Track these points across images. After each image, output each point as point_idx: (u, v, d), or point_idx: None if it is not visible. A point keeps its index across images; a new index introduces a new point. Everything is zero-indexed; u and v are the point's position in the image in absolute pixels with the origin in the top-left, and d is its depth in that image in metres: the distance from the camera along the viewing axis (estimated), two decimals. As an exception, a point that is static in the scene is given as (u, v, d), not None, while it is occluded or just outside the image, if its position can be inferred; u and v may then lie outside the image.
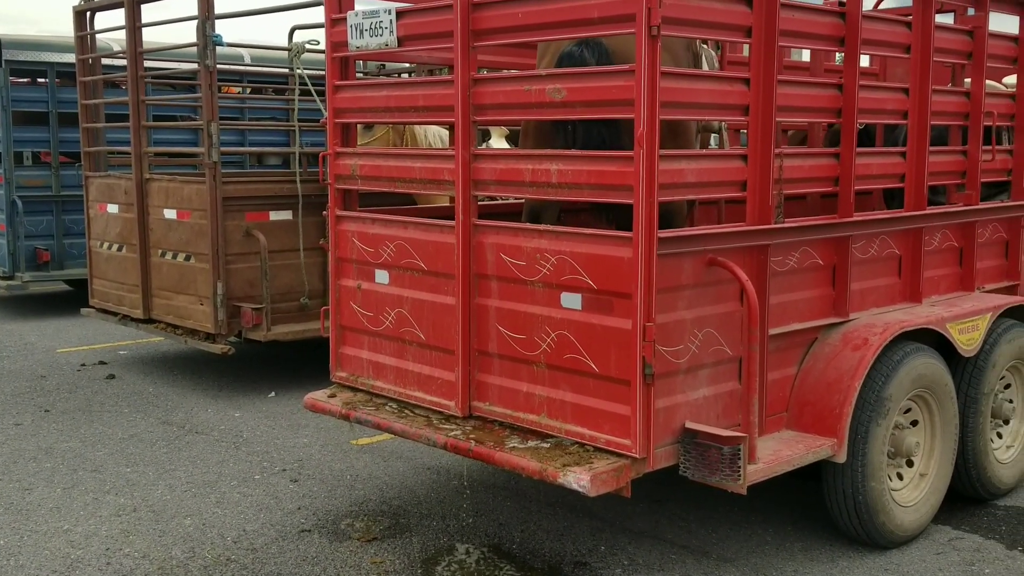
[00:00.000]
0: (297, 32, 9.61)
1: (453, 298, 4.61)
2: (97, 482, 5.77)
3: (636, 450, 3.95)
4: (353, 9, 4.97)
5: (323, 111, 7.81)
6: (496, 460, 4.21)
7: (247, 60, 11.78)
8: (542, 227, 4.31)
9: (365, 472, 5.98)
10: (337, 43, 5.07)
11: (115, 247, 8.40)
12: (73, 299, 12.13)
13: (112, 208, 8.38)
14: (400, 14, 4.69)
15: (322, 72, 5.26)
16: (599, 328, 4.05)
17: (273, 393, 7.83)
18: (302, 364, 8.70)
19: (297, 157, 7.85)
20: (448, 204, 5.79)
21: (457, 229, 4.54)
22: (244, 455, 6.31)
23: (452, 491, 5.64)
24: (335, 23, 5.04)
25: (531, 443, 4.28)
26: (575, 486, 3.88)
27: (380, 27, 4.75)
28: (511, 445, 4.27)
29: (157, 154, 9.15)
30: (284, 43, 8.26)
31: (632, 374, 3.92)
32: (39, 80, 11.64)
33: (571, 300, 4.16)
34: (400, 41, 4.71)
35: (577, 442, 4.17)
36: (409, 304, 4.87)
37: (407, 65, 9.24)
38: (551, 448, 4.20)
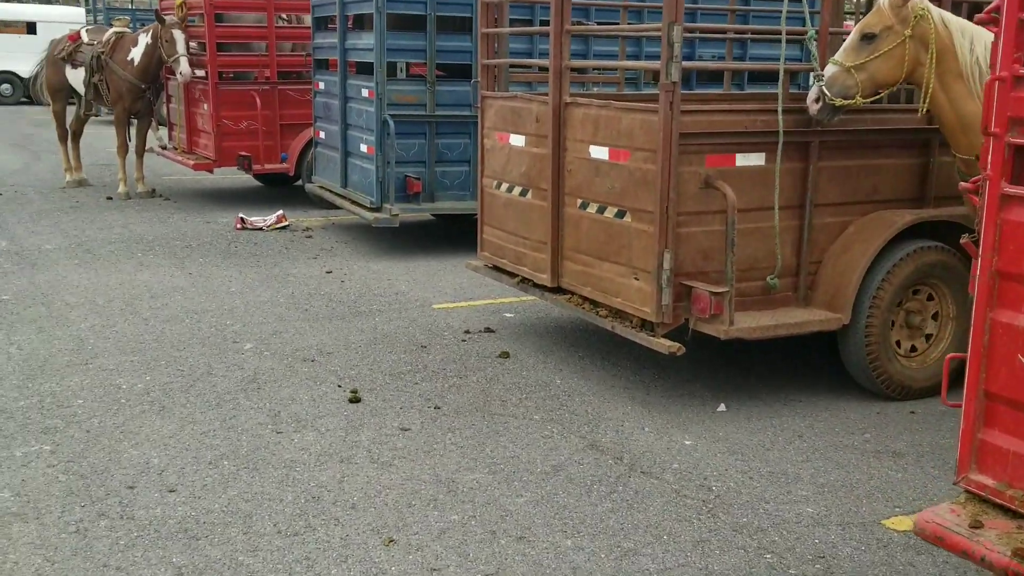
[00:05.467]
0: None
1: None
2: (531, 567, 3.87)
3: None
4: None
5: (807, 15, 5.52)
6: None
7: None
8: None
9: (944, 603, 3.68)
10: None
11: (517, 190, 6.51)
12: (440, 234, 10.69)
13: (516, 140, 6.47)
14: None
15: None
16: None
17: (723, 406, 5.68)
18: (755, 362, 6.47)
19: (781, 78, 5.48)
20: None
21: None
22: (728, 531, 4.20)
23: None
24: None
25: None
26: None
27: None
28: None
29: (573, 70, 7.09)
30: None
31: None
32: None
33: None
34: None
35: None
36: None
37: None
38: None
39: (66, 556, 3.91)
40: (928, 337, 5.92)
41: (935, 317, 5.91)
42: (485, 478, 4.68)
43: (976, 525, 2.85)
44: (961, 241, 3.08)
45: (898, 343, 5.83)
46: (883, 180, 5.90)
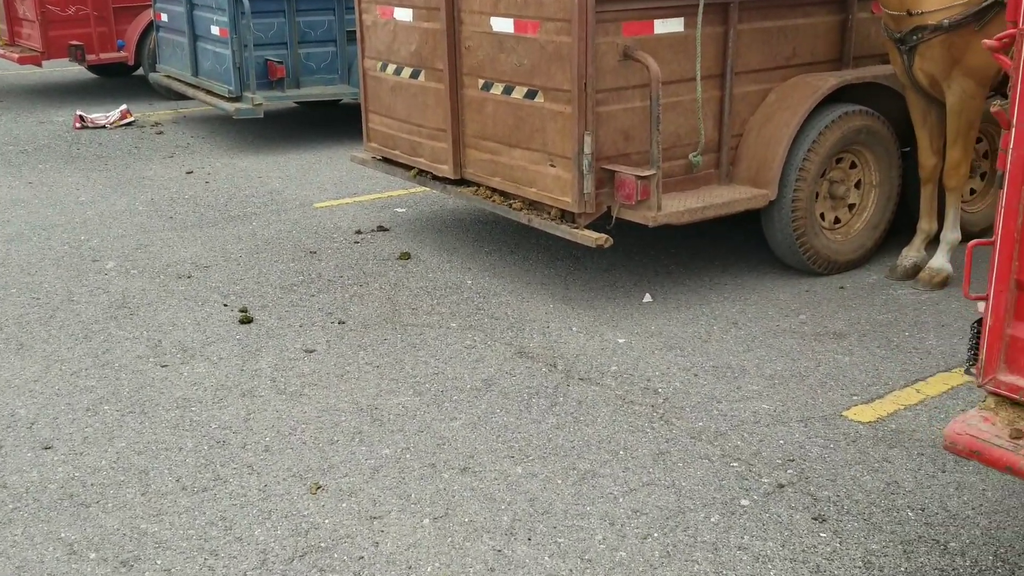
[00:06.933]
0: None
1: None
2: (484, 504, 3.44)
3: None
4: None
5: None
6: None
7: None
8: None
9: (925, 494, 3.44)
10: None
11: (407, 72, 5.84)
12: (308, 123, 9.86)
13: (402, 14, 5.76)
14: None
15: None
16: None
17: (649, 296, 5.32)
18: (669, 245, 6.11)
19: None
20: None
21: None
22: (686, 439, 3.85)
23: None
24: None
25: None
26: None
27: None
28: None
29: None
30: None
31: None
32: None
33: None
34: None
35: None
36: None
37: None
38: None
39: (-74, 545, 3.25)
40: (851, 207, 5.67)
41: (858, 185, 5.66)
42: (411, 401, 4.19)
43: (1017, 435, 2.55)
44: (992, 110, 2.68)
45: (822, 215, 5.56)
46: (802, 42, 5.51)
